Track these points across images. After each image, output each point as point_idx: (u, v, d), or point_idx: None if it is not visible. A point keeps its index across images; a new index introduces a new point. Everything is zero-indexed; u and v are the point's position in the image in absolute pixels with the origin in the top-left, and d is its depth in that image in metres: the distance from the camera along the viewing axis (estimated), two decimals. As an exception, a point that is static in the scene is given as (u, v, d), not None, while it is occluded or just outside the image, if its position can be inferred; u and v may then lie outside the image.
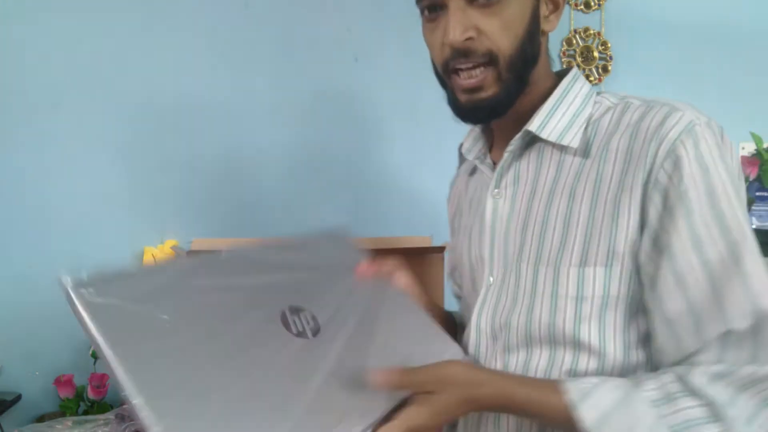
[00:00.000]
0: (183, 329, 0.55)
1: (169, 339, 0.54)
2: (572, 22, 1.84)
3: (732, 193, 0.62)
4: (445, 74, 0.74)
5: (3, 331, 1.55)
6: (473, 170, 0.90)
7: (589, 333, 0.68)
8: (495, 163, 0.83)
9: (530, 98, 0.76)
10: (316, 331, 0.65)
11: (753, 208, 1.73)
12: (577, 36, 1.84)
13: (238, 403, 0.53)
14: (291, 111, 1.71)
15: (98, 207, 1.61)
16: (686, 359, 0.63)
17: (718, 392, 0.58)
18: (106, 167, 1.61)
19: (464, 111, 0.74)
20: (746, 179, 1.73)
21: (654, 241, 0.64)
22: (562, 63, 1.84)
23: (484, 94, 0.72)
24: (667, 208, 0.63)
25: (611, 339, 0.68)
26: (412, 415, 0.60)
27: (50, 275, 1.69)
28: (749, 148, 1.82)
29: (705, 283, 0.61)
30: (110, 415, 1.31)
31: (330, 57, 1.72)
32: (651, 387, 0.61)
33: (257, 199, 1.69)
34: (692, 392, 0.59)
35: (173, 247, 1.59)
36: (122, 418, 1.29)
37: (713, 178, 0.62)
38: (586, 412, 0.59)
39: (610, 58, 1.85)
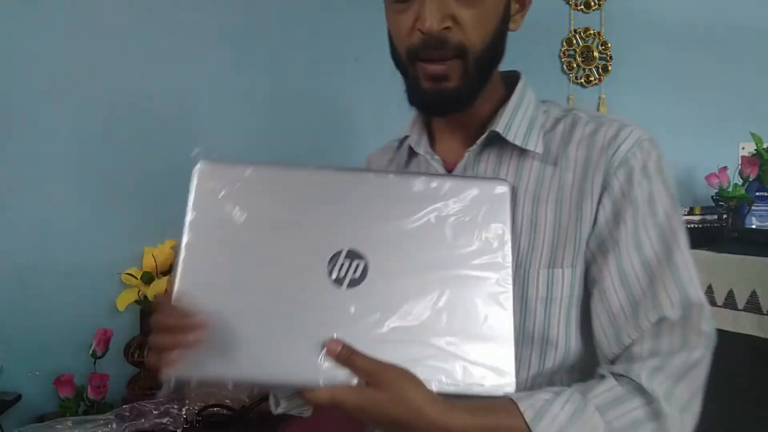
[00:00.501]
0: (248, 236, 0.64)
1: (232, 240, 0.64)
2: (572, 22, 1.84)
3: (668, 201, 0.70)
4: (408, 60, 0.72)
5: (3, 331, 1.55)
6: (408, 162, 0.86)
7: (558, 331, 0.71)
8: (444, 161, 0.80)
9: (487, 98, 0.76)
10: (354, 283, 0.62)
11: (753, 208, 1.73)
12: (577, 36, 1.84)
13: (248, 319, 0.61)
14: (291, 111, 1.71)
15: (98, 207, 1.61)
16: (625, 350, 0.67)
17: (657, 386, 0.62)
18: (107, 167, 1.61)
19: (426, 98, 0.73)
20: (746, 179, 1.73)
21: (601, 242, 0.70)
22: (562, 63, 1.84)
23: (448, 84, 0.70)
24: (615, 213, 0.69)
25: (574, 335, 0.72)
26: (346, 391, 0.59)
27: (50, 275, 1.70)
28: (749, 148, 1.82)
29: (644, 280, 0.67)
30: (110, 415, 1.31)
31: (330, 57, 1.72)
32: (598, 392, 0.63)
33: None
34: (634, 391, 0.63)
35: (173, 247, 1.59)
36: (122, 418, 1.30)
37: (654, 188, 0.70)
38: (545, 431, 0.60)
39: (610, 58, 1.85)
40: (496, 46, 0.72)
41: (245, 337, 0.61)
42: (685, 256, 0.68)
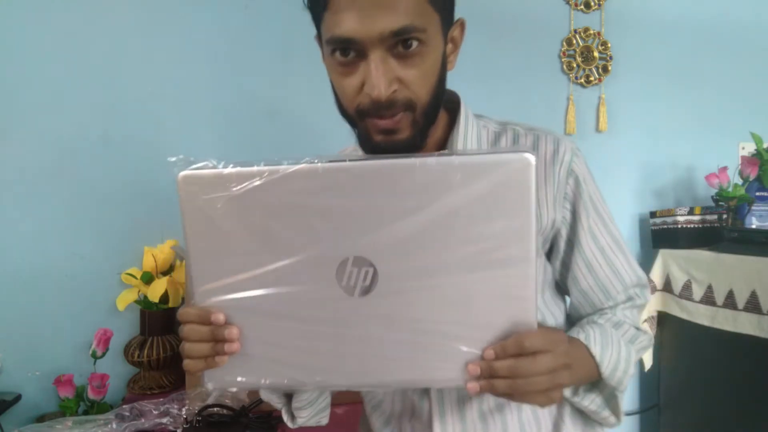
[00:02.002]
0: (249, 243, 0.62)
1: (233, 248, 0.63)
2: (572, 22, 1.85)
3: (599, 196, 0.86)
4: (358, 117, 0.74)
5: (3, 331, 1.55)
6: None
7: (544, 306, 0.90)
8: None
9: (435, 130, 0.81)
10: (365, 291, 0.61)
11: (753, 208, 1.73)
12: (577, 36, 1.84)
13: (259, 323, 0.64)
14: (290, 111, 1.71)
15: (98, 207, 1.61)
16: (599, 311, 0.89)
17: (631, 317, 0.89)
18: (106, 167, 1.61)
19: (380, 149, 0.75)
20: (746, 179, 1.73)
21: (568, 239, 0.87)
22: (562, 63, 1.84)
23: (400, 136, 0.73)
24: (573, 213, 0.85)
25: (548, 312, 0.90)
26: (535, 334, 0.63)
27: (50, 275, 1.71)
28: (749, 148, 1.82)
29: (604, 263, 0.86)
30: (110, 415, 1.31)
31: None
32: (603, 321, 0.86)
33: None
34: (621, 322, 0.87)
35: (173, 247, 1.59)
36: (122, 418, 1.30)
37: (591, 188, 0.85)
38: (593, 346, 0.79)
39: (610, 58, 1.85)
40: (438, 94, 0.76)
41: (274, 342, 0.64)
42: (621, 236, 0.89)
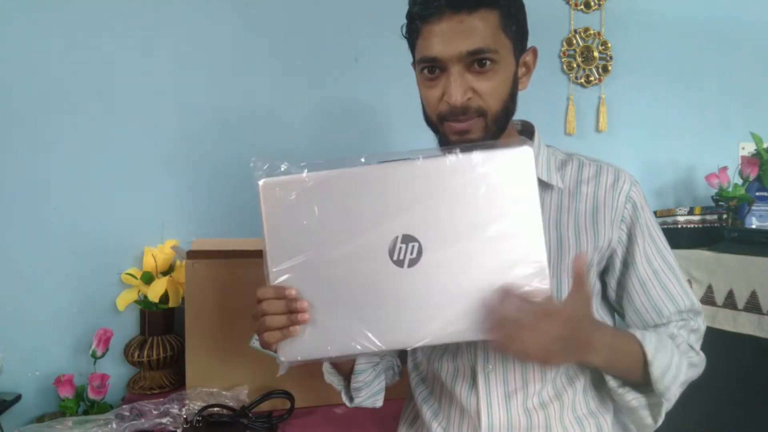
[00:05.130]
0: (318, 233, 0.76)
1: (304, 237, 0.76)
2: (572, 22, 1.85)
3: (655, 223, 0.97)
4: (438, 122, 0.89)
5: (3, 331, 1.55)
6: None
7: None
8: None
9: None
10: (413, 263, 0.74)
11: (753, 208, 1.73)
12: (577, 36, 1.84)
13: (324, 300, 0.76)
14: (290, 111, 1.71)
15: (98, 207, 1.61)
16: (653, 327, 0.95)
17: (688, 336, 0.94)
18: (106, 167, 1.61)
19: None
20: (746, 179, 1.73)
21: (624, 259, 0.96)
22: (562, 63, 1.84)
23: (472, 136, 0.88)
24: (630, 237, 0.95)
25: (605, 315, 1.00)
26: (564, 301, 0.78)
27: (50, 275, 1.70)
28: (749, 148, 1.82)
29: (657, 285, 0.94)
30: (110, 415, 1.31)
31: (330, 57, 1.72)
32: (662, 332, 0.93)
33: (257, 199, 1.69)
34: (676, 335, 0.94)
35: (173, 247, 1.59)
36: (122, 418, 1.30)
37: (647, 215, 0.96)
38: (648, 346, 0.85)
39: (610, 58, 1.85)
40: (509, 106, 0.90)
41: (337, 315, 0.76)
42: (677, 266, 0.97)
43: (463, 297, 0.74)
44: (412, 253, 0.74)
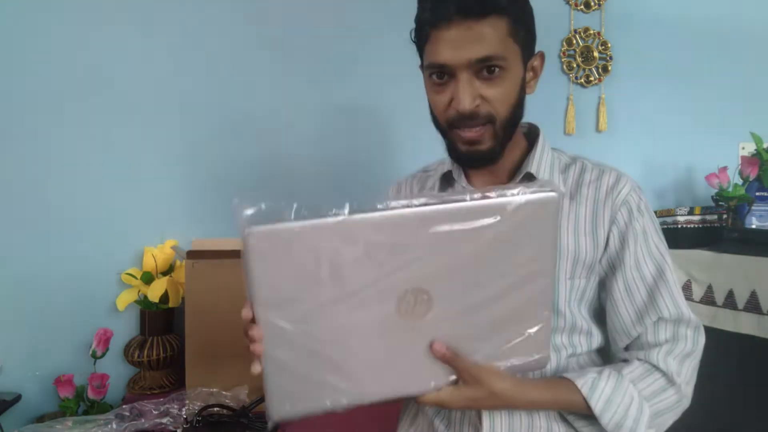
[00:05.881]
0: (316, 286, 0.68)
1: (301, 291, 0.68)
2: (572, 22, 1.84)
3: (654, 230, 0.93)
4: (447, 127, 0.89)
5: (3, 331, 1.55)
6: (441, 190, 1.02)
7: (582, 323, 0.94)
8: None
9: (512, 149, 0.94)
10: (422, 316, 0.72)
11: (753, 208, 1.73)
12: (577, 36, 1.84)
13: (329, 352, 0.70)
14: (289, 111, 1.71)
15: (98, 207, 1.61)
16: (634, 341, 0.91)
17: (669, 365, 0.87)
18: (106, 168, 1.61)
19: (464, 159, 0.91)
20: (746, 179, 1.73)
21: (611, 262, 0.93)
22: (562, 63, 1.84)
23: (482, 147, 0.88)
24: (621, 240, 0.92)
25: (593, 325, 0.96)
26: (445, 390, 0.78)
27: (50, 275, 1.71)
28: (749, 148, 1.82)
29: (644, 291, 0.91)
30: (110, 415, 1.31)
31: (330, 57, 1.72)
32: (628, 370, 0.87)
33: (256, 199, 1.69)
34: (653, 368, 0.88)
35: (173, 247, 1.59)
36: (122, 418, 1.30)
37: (645, 221, 0.93)
38: (596, 401, 0.83)
39: (610, 58, 1.85)
40: (517, 112, 0.89)
41: (334, 367, 0.71)
42: (673, 273, 0.92)
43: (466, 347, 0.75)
44: (421, 306, 0.71)
